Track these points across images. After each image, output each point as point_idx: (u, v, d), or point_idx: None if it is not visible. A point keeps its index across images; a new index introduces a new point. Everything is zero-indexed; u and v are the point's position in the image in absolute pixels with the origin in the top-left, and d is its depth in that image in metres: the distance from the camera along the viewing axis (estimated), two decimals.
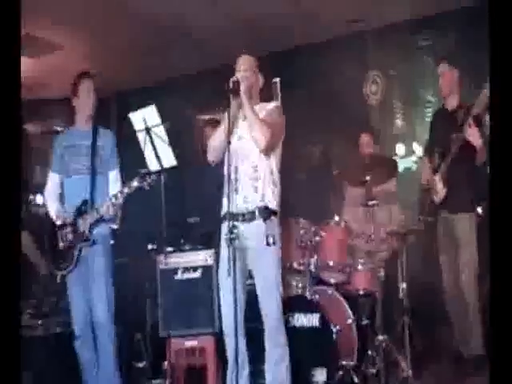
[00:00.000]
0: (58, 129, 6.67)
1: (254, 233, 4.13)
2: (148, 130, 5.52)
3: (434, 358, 5.63)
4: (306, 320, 5.01)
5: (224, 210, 4.23)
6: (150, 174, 4.70)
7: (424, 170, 5.74)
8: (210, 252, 5.39)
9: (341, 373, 4.84)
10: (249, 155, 4.22)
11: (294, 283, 5.53)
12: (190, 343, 5.38)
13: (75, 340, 4.88)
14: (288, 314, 4.95)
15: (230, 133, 4.11)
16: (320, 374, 4.84)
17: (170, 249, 5.71)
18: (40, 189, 5.28)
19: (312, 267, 5.33)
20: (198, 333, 5.35)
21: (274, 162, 4.29)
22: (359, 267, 5.48)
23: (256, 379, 4.46)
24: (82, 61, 8.10)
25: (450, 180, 5.29)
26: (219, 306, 4.33)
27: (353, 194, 6.40)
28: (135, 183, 4.61)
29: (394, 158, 6.91)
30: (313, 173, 7.68)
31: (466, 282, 5.27)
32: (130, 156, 5.27)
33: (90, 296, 4.80)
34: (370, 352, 5.13)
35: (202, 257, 5.45)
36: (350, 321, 5.16)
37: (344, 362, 4.89)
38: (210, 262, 5.37)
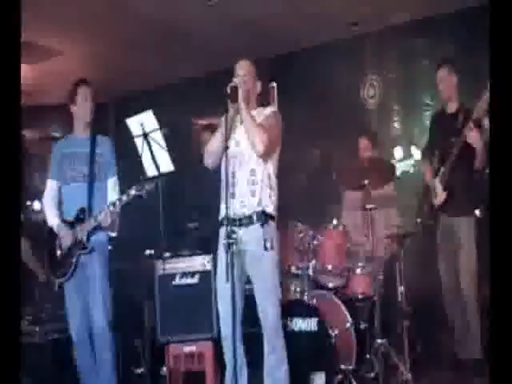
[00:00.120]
0: (57, 135, 6.67)
1: (251, 237, 4.13)
2: (145, 136, 5.51)
3: (432, 361, 5.64)
4: (305, 324, 5.00)
5: (221, 214, 4.22)
6: (148, 181, 4.71)
7: (423, 173, 5.74)
8: (208, 257, 5.39)
9: (339, 377, 4.85)
10: (246, 160, 4.21)
11: (293, 287, 5.54)
12: (189, 348, 5.39)
13: (73, 347, 4.88)
14: (286, 319, 4.94)
15: (227, 138, 4.12)
16: (319, 379, 4.83)
17: (167, 254, 5.72)
18: (38, 195, 5.27)
19: (310, 271, 5.34)
20: (196, 338, 5.36)
21: (271, 166, 4.28)
22: (357, 271, 5.49)
23: None
24: (80, 67, 8.12)
25: (450, 183, 5.29)
26: (217, 311, 4.32)
27: (351, 197, 6.40)
28: (133, 191, 4.61)
29: (392, 161, 6.91)
30: (311, 177, 7.68)
31: (465, 286, 5.27)
32: (128, 161, 5.26)
33: (87, 303, 4.80)
34: (368, 356, 5.14)
35: (200, 262, 5.45)
36: (348, 325, 5.15)
37: (343, 366, 4.89)
38: (208, 267, 5.38)
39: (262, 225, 4.12)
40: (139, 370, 5.90)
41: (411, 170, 7.30)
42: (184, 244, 6.25)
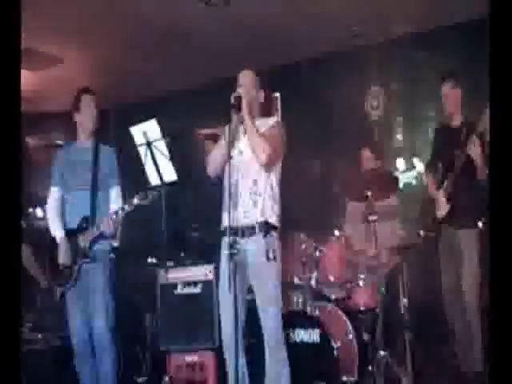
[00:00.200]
0: (59, 142, 6.66)
1: (254, 248, 4.11)
2: (149, 145, 5.51)
3: (435, 374, 5.60)
4: (307, 335, 4.99)
5: (224, 224, 4.21)
6: (150, 190, 4.70)
7: (427, 186, 5.73)
8: (210, 267, 5.39)
9: None
10: (249, 170, 4.20)
11: (295, 299, 5.52)
12: (191, 358, 5.38)
13: (75, 355, 4.86)
14: (288, 330, 4.93)
15: (230, 147, 4.11)
16: None
17: (170, 263, 5.71)
18: (40, 202, 5.27)
19: (313, 283, 5.33)
20: (198, 348, 5.35)
21: (274, 177, 4.28)
22: (360, 283, 5.47)
23: None
24: (82, 74, 8.14)
25: (454, 196, 5.28)
26: (219, 320, 4.30)
27: (353, 209, 6.40)
28: (136, 200, 4.61)
29: (394, 173, 6.90)
30: (314, 188, 7.67)
31: (468, 299, 5.26)
32: (130, 169, 5.26)
33: (89, 312, 4.79)
34: (370, 368, 5.11)
35: (202, 271, 5.45)
36: (350, 336, 5.13)
37: (345, 378, 4.87)
38: (210, 276, 5.38)
39: (265, 235, 4.11)
40: (141, 379, 5.89)
41: (414, 182, 7.29)
42: (186, 253, 6.24)
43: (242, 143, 4.28)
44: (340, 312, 5.27)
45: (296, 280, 5.38)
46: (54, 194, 5.02)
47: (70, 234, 4.83)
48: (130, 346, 5.92)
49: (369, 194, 5.42)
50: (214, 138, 5.17)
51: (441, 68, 6.33)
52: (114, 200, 4.97)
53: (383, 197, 5.68)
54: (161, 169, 5.52)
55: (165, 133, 5.47)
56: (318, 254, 5.39)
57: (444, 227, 5.42)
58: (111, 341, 4.78)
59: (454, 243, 5.38)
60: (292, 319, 5.01)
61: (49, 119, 9.41)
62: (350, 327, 5.17)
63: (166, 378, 5.44)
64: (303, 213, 6.46)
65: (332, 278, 5.42)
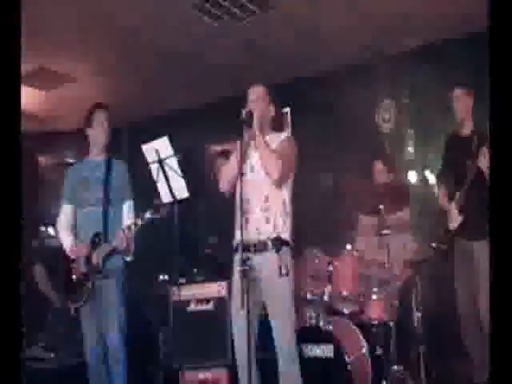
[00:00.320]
0: (70, 161, 6.69)
1: (266, 264, 4.11)
2: (161, 162, 5.52)
3: None
4: (320, 350, 4.98)
5: (236, 240, 4.22)
6: (163, 205, 4.71)
7: (439, 197, 5.71)
8: (223, 283, 5.38)
9: None
10: (261, 186, 4.21)
11: (308, 313, 5.49)
12: (203, 375, 5.37)
13: (88, 372, 4.86)
14: (302, 345, 4.92)
15: (242, 163, 4.12)
16: None
17: (182, 280, 5.71)
18: (53, 220, 5.27)
19: (325, 297, 5.32)
20: (211, 365, 5.33)
21: (286, 192, 4.28)
22: (373, 296, 5.46)
23: None
24: (94, 93, 8.17)
25: (466, 207, 5.26)
26: (232, 337, 4.29)
27: (364, 222, 6.38)
28: (148, 215, 4.61)
29: (406, 185, 6.89)
30: (325, 202, 7.66)
31: (482, 311, 5.22)
32: (142, 188, 5.27)
33: (102, 328, 4.78)
34: (384, 382, 5.09)
35: (215, 288, 5.45)
36: (364, 351, 5.11)
37: None
38: (223, 293, 5.37)
39: (277, 251, 4.10)
40: None
41: (425, 195, 7.27)
42: (199, 269, 6.24)
43: (254, 159, 4.28)
44: (353, 326, 5.26)
45: (309, 295, 5.37)
46: (65, 210, 5.02)
47: (83, 250, 4.83)
48: (142, 363, 5.92)
49: (381, 207, 5.41)
50: (226, 155, 5.17)
51: (452, 81, 6.32)
52: (127, 214, 4.96)
53: (395, 210, 5.67)
54: (173, 186, 5.52)
55: (176, 150, 5.48)
56: (330, 268, 5.39)
57: (457, 239, 5.40)
58: (125, 356, 4.76)
59: (467, 255, 5.36)
60: (305, 334, 5.00)
61: (61, 138, 9.46)
62: (364, 341, 5.16)
63: None
64: (315, 227, 6.45)
65: (345, 292, 5.41)
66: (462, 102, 5.47)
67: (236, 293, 4.08)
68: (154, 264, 6.55)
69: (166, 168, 5.49)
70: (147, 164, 5.62)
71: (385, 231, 5.42)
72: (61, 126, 9.31)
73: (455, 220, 5.32)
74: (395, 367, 5.13)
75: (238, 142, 4.16)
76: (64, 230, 5.00)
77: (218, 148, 7.85)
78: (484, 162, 5.01)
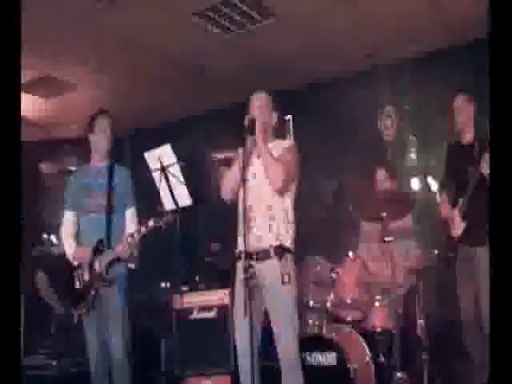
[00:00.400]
0: (72, 168, 6.69)
1: (269, 271, 4.09)
2: (163, 169, 5.51)
3: None
4: (323, 358, 4.96)
5: (239, 248, 4.20)
6: (166, 213, 4.70)
7: (441, 205, 5.70)
8: (226, 291, 5.38)
9: None
10: (263, 194, 4.19)
11: (311, 321, 5.49)
12: (206, 383, 5.35)
13: (90, 380, 4.85)
14: (305, 353, 4.91)
15: (244, 171, 4.11)
16: None
17: (185, 288, 5.70)
18: (55, 228, 5.26)
19: (328, 305, 5.31)
20: (213, 372, 5.32)
21: (288, 200, 4.27)
22: (376, 304, 5.45)
23: None
24: (95, 100, 8.17)
25: (469, 214, 5.25)
26: (235, 345, 4.28)
27: (367, 229, 6.38)
28: (152, 223, 4.60)
29: (409, 192, 6.88)
30: (327, 209, 7.65)
31: (486, 317, 5.20)
32: (145, 196, 5.27)
33: (106, 336, 4.76)
34: None
35: (218, 296, 5.45)
36: (367, 358, 5.10)
37: None
38: (226, 301, 5.36)
39: (280, 259, 4.09)
40: None
41: (428, 202, 7.26)
42: (201, 277, 6.24)
43: (256, 167, 4.27)
44: (356, 334, 5.25)
45: (311, 303, 5.36)
46: (68, 217, 5.01)
47: (86, 257, 4.81)
48: (145, 370, 5.90)
49: (384, 214, 5.40)
50: (228, 162, 5.16)
51: (454, 87, 6.31)
52: (130, 222, 4.96)
53: (398, 217, 5.66)
54: (175, 193, 5.52)
55: (179, 157, 5.47)
56: (333, 275, 5.38)
57: (460, 246, 5.39)
58: (128, 364, 4.75)
59: (470, 261, 5.34)
60: (308, 342, 4.99)
61: (63, 145, 9.45)
62: (367, 349, 5.15)
63: None
64: (318, 234, 6.45)
65: (348, 300, 5.40)
66: (463, 110, 5.46)
67: (239, 300, 4.06)
68: (156, 271, 6.54)
69: (169, 175, 5.48)
70: (150, 172, 5.61)
71: (388, 238, 5.40)
72: (62, 133, 9.31)
73: (458, 227, 5.31)
74: (398, 375, 5.11)
75: (241, 149, 4.16)
76: (66, 237, 4.98)
77: (221, 155, 7.84)
78: (486, 168, 5.00)
